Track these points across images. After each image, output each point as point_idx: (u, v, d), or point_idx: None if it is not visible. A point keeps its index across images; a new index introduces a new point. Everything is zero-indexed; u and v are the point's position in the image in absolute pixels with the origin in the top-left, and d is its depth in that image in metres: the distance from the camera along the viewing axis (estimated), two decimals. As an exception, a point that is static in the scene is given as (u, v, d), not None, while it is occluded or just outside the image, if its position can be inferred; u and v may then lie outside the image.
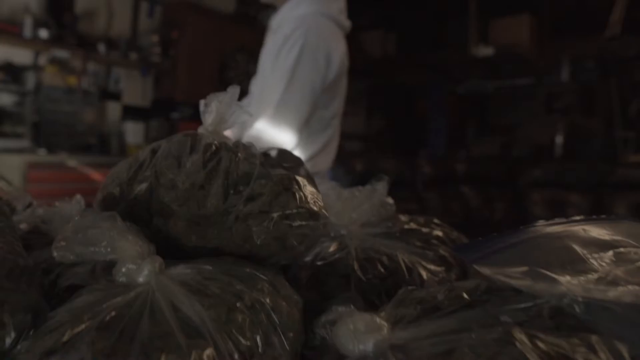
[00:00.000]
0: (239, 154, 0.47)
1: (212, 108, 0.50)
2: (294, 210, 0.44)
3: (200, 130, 0.49)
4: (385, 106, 6.17)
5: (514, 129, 5.95)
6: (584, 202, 4.05)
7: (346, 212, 0.59)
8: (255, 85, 1.51)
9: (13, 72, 3.07)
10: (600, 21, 5.11)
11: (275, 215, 0.43)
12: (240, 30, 4.13)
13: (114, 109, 3.71)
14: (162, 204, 0.43)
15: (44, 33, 3.11)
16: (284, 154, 0.52)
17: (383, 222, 0.61)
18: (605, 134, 5.29)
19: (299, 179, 0.47)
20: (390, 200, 0.66)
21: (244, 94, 3.99)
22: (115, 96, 3.72)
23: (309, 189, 0.48)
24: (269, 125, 1.26)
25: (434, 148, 5.81)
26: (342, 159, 3.22)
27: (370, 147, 6.10)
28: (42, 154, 2.89)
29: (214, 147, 0.46)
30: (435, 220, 0.65)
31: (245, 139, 0.54)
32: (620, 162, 4.40)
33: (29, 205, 0.63)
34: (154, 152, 0.47)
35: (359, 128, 5.97)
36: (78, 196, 0.59)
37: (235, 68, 4.09)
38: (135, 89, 3.82)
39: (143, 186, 0.44)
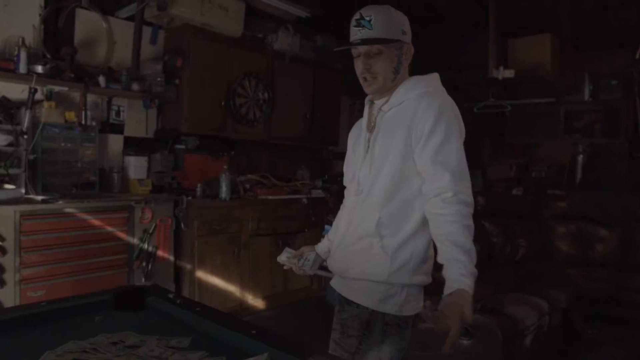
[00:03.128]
0: None
1: None
2: None
3: None
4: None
5: (532, 149, 5.72)
6: (613, 236, 3.83)
7: None
8: (377, 165, 1.44)
9: (7, 110, 2.87)
10: (623, 38, 4.89)
11: None
12: (248, 54, 3.93)
13: (115, 142, 3.50)
14: None
15: (39, 67, 2.91)
16: None
17: None
18: (630, 156, 5.06)
19: None
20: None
21: (249, 122, 3.76)
22: (117, 128, 3.52)
23: None
24: (464, 192, 1.30)
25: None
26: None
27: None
28: (37, 202, 2.68)
29: None
30: None
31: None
32: (651, 192, 4.15)
33: None
34: None
35: (370, 148, 5.72)
36: None
37: (243, 95, 3.88)
38: (137, 120, 3.61)
39: None
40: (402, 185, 1.38)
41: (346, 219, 1.51)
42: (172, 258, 3.24)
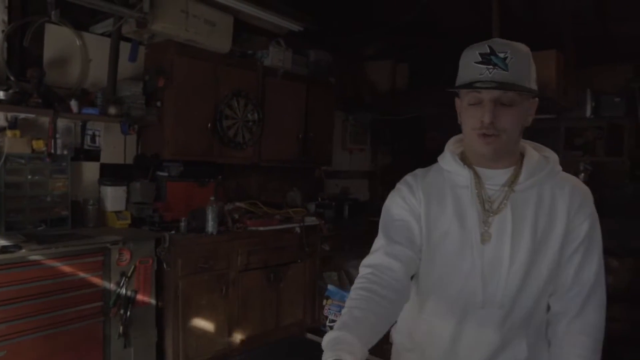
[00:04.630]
0: None
1: None
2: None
3: None
4: (392, 141, 5.70)
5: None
6: (623, 268, 3.61)
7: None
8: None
9: (-35, 140, 2.53)
10: (626, 51, 4.72)
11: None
12: (237, 72, 3.62)
13: (90, 171, 3.18)
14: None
15: (1, 93, 2.57)
16: None
17: None
18: (632, 175, 4.88)
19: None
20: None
21: (237, 145, 3.45)
22: (93, 155, 3.19)
23: None
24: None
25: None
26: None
27: (375, 184, 5.62)
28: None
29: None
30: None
31: None
32: (660, 219, 3.96)
33: None
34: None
35: (364, 164, 5.49)
36: None
37: (231, 116, 3.57)
38: (116, 145, 3.29)
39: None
40: (546, 294, 1.16)
41: (447, 336, 1.17)
42: (153, 302, 2.93)
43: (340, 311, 2.01)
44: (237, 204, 3.68)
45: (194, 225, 3.18)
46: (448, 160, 1.20)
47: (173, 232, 3.06)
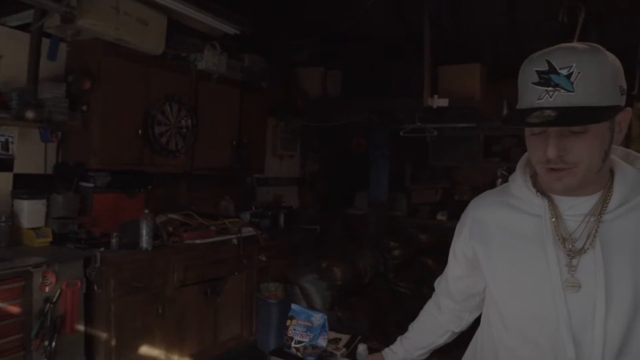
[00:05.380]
0: None
1: None
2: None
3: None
4: (321, 147, 5.70)
5: (453, 172, 5.80)
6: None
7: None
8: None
9: None
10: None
11: None
12: (170, 75, 3.40)
13: (2, 182, 2.80)
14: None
15: None
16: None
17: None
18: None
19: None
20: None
21: (170, 153, 3.26)
22: (5, 164, 2.81)
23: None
24: None
25: (374, 193, 5.44)
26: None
27: (304, 191, 5.58)
28: None
29: None
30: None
31: None
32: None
33: None
34: None
35: (294, 171, 5.43)
36: None
37: (164, 123, 3.34)
38: (32, 153, 2.93)
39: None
40: None
41: None
42: (82, 328, 2.64)
43: (307, 332, 1.92)
44: (170, 215, 3.44)
45: (126, 240, 2.92)
46: (519, 186, 1.01)
47: (103, 249, 2.78)
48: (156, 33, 3.17)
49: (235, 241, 3.59)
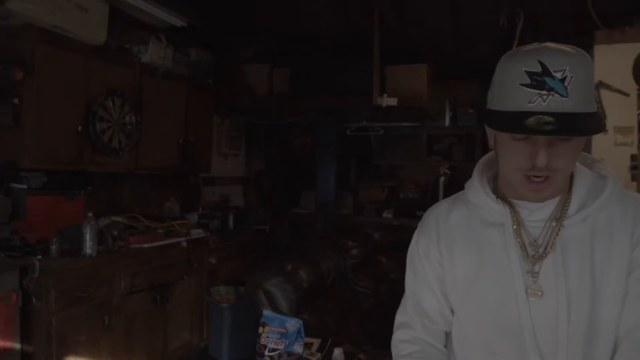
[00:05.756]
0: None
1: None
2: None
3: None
4: (266, 146, 5.59)
5: (397, 171, 5.89)
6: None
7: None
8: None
9: None
10: (475, 70, 5.30)
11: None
12: (112, 68, 3.16)
13: None
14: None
15: None
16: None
17: None
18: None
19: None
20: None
21: (113, 151, 3.05)
22: None
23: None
24: None
25: (321, 191, 5.42)
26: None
27: (249, 191, 5.45)
28: None
29: None
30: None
31: None
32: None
33: None
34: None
35: (239, 169, 5.28)
36: None
37: (106, 119, 3.10)
38: (-47, 152, 2.61)
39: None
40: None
41: None
42: (17, 346, 2.37)
43: (281, 338, 1.84)
44: (114, 218, 3.21)
45: (67, 246, 2.68)
46: (476, 192, 0.97)
47: (40, 257, 2.53)
48: (97, 21, 2.94)
49: (184, 244, 3.41)
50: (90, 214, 2.77)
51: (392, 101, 4.26)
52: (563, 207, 0.90)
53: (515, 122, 0.79)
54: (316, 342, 1.98)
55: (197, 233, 3.56)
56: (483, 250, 0.95)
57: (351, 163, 5.94)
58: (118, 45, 3.20)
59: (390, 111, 4.87)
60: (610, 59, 4.02)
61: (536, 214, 0.91)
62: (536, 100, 0.78)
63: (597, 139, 4.05)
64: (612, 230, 0.88)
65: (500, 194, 0.95)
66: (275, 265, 2.33)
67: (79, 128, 2.94)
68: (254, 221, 4.70)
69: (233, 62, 4.68)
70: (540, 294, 0.89)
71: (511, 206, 0.93)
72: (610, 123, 4.04)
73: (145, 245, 3.10)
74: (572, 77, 0.77)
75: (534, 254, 0.90)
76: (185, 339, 3.52)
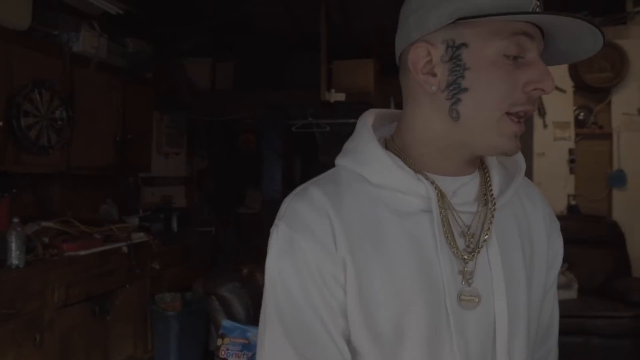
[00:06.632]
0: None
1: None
2: None
3: None
4: (208, 144, 5.36)
5: (344, 168, 5.84)
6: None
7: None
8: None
9: None
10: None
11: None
12: (38, 57, 2.85)
13: None
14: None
15: None
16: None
17: None
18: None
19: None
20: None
21: (42, 149, 2.78)
22: None
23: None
24: None
25: (268, 190, 5.27)
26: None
27: (191, 191, 5.20)
28: None
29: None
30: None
31: None
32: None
33: None
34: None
35: (181, 169, 5.02)
36: None
37: (32, 113, 2.79)
38: None
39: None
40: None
41: None
42: None
43: (243, 350, 1.69)
44: (44, 223, 2.90)
45: (-11, 257, 2.37)
46: (385, 167, 0.67)
47: (-43, 270, 2.22)
48: (20, 4, 2.63)
49: (125, 249, 3.15)
50: (15, 220, 2.47)
51: (340, 96, 4.20)
52: (485, 187, 0.70)
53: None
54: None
55: (138, 237, 3.31)
56: (400, 253, 0.64)
57: (296, 161, 5.83)
58: (45, 32, 2.89)
59: (337, 107, 4.81)
60: (548, 57, 4.19)
61: (460, 195, 0.68)
62: (533, 5, 0.60)
63: (538, 134, 4.21)
64: (528, 218, 0.74)
65: (414, 168, 0.68)
66: (230, 269, 2.17)
67: (1, 123, 2.62)
68: (198, 223, 4.48)
69: (174, 55, 4.43)
70: (477, 300, 0.65)
71: (434, 185, 0.67)
72: (549, 118, 4.20)
73: (81, 253, 2.82)
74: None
75: (466, 248, 0.66)
76: (129, 352, 3.26)
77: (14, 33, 2.66)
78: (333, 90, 4.18)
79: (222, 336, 1.65)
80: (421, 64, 0.66)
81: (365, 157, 0.69)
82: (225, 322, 1.67)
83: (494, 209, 0.67)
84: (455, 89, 0.63)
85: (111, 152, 3.50)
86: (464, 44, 0.62)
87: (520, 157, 0.73)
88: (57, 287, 2.63)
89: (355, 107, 4.89)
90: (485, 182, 0.70)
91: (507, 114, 0.62)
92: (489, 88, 0.61)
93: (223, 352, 1.63)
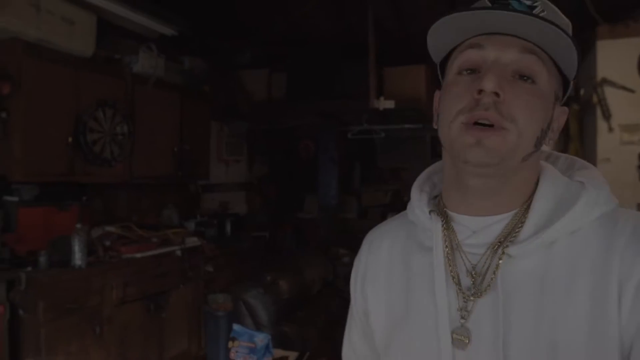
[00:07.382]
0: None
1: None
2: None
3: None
4: (268, 151, 5.57)
5: (401, 173, 5.83)
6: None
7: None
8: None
9: None
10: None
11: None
12: (102, 79, 3.18)
13: None
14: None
15: None
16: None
17: None
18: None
19: None
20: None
21: (105, 162, 3.06)
22: None
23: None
24: None
25: (324, 196, 5.38)
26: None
27: (252, 196, 5.44)
28: None
29: None
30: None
31: None
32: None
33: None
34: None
35: (241, 175, 5.28)
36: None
37: (97, 130, 3.12)
38: (-56, 166, 2.65)
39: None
40: None
41: None
42: (6, 358, 2.40)
43: (250, 353, 1.81)
44: (107, 228, 3.22)
45: (56, 258, 2.70)
46: (413, 206, 0.74)
47: (30, 268, 2.56)
48: (85, 33, 2.96)
49: (179, 252, 3.41)
50: (79, 225, 2.79)
51: (389, 104, 4.21)
52: (514, 227, 0.64)
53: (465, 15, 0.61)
54: (292, 355, 1.95)
55: (192, 241, 3.56)
56: (411, 286, 0.70)
57: (354, 166, 5.89)
58: (108, 56, 3.22)
59: (390, 113, 4.82)
60: (614, 55, 3.90)
61: (479, 236, 0.65)
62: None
63: (602, 138, 3.94)
64: (577, 269, 0.60)
65: (440, 207, 0.70)
66: (256, 276, 2.30)
67: (69, 140, 2.96)
68: (254, 228, 4.70)
69: (230, 69, 4.69)
70: (467, 341, 0.63)
71: (447, 222, 0.68)
72: (615, 121, 3.92)
73: (137, 255, 3.10)
74: (543, 11, 0.62)
75: (471, 286, 0.64)
76: (183, 347, 3.52)
77: (80, 59, 3.00)
78: (382, 98, 4.20)
79: (233, 339, 1.77)
80: (435, 102, 0.72)
81: (410, 203, 0.77)
82: (236, 327, 1.79)
83: (504, 255, 0.62)
84: (436, 117, 0.69)
85: (170, 162, 3.80)
86: (444, 78, 0.69)
87: (580, 199, 0.62)
88: (115, 285, 2.92)
89: (407, 114, 4.89)
90: (516, 223, 0.64)
91: (465, 124, 0.60)
92: (446, 103, 0.64)
93: (233, 354, 1.76)
